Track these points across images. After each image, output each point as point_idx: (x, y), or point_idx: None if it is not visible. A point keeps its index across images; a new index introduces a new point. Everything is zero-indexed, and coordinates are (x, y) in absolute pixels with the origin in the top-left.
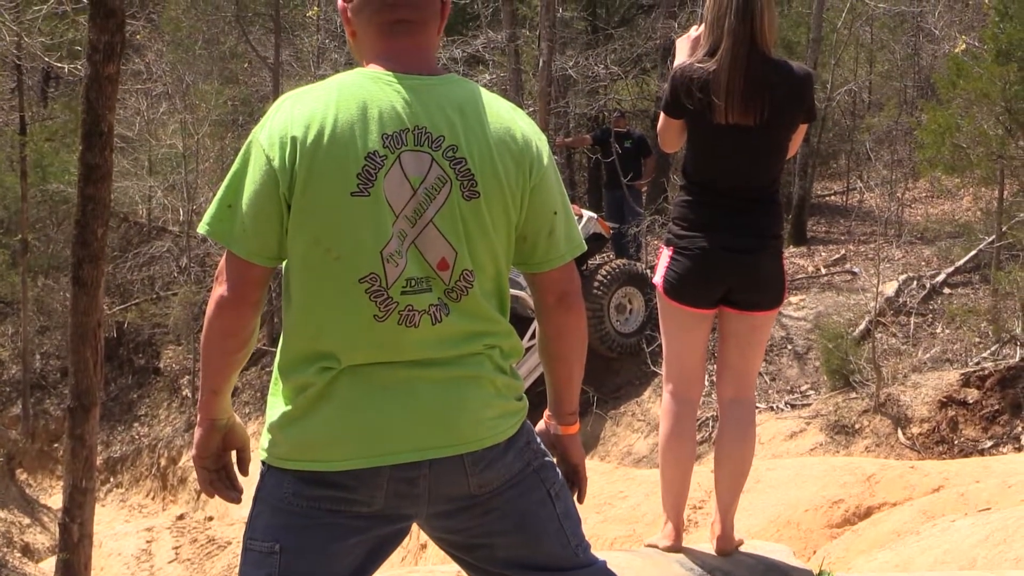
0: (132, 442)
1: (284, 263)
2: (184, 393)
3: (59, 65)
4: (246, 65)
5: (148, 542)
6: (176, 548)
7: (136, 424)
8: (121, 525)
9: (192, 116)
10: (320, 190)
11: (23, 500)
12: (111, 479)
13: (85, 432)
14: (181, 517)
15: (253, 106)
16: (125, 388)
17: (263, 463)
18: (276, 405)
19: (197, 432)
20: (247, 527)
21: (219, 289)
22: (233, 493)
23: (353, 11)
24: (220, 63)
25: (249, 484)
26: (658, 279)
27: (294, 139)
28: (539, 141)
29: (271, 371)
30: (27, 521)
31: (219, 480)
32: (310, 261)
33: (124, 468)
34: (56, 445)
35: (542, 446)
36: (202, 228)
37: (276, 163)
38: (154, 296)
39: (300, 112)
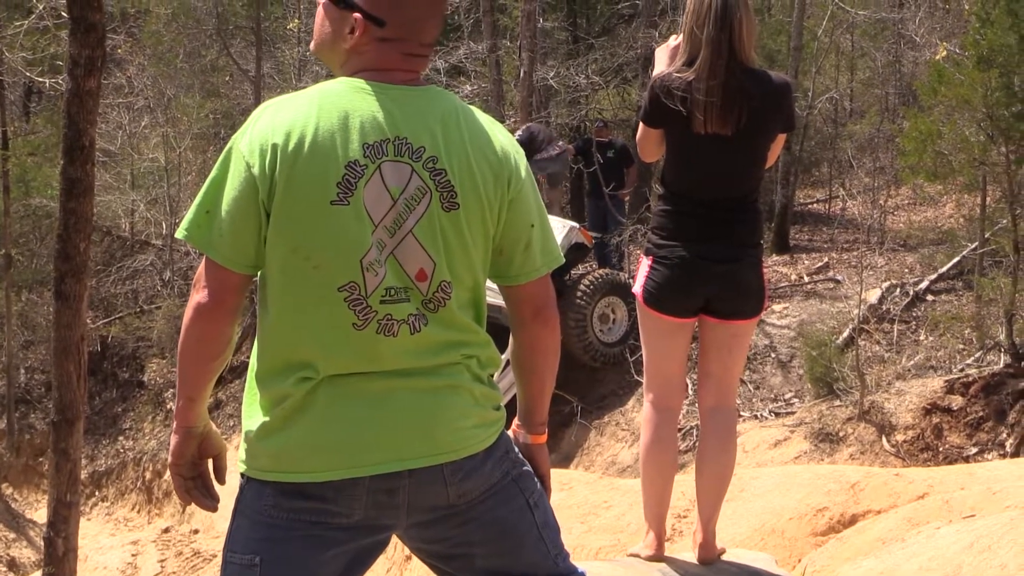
0: (117, 456)
1: (260, 273)
2: (168, 406)
3: (40, 79)
4: (227, 78)
5: (134, 555)
6: (162, 561)
7: (121, 438)
8: (107, 539)
9: (174, 129)
10: (299, 198)
11: (8, 515)
12: (96, 493)
13: (69, 446)
14: (166, 530)
15: (235, 119)
16: (110, 402)
17: (242, 475)
18: (253, 416)
19: (173, 439)
20: (227, 540)
21: (197, 296)
22: (209, 501)
23: (375, 35)
24: (201, 76)
25: (227, 495)
26: (638, 288)
27: (275, 146)
28: (517, 154)
29: None
30: (13, 536)
31: (195, 488)
32: (289, 269)
33: (109, 482)
34: (41, 459)
35: (520, 455)
36: (180, 233)
37: (256, 170)
38: (138, 310)
39: (281, 120)
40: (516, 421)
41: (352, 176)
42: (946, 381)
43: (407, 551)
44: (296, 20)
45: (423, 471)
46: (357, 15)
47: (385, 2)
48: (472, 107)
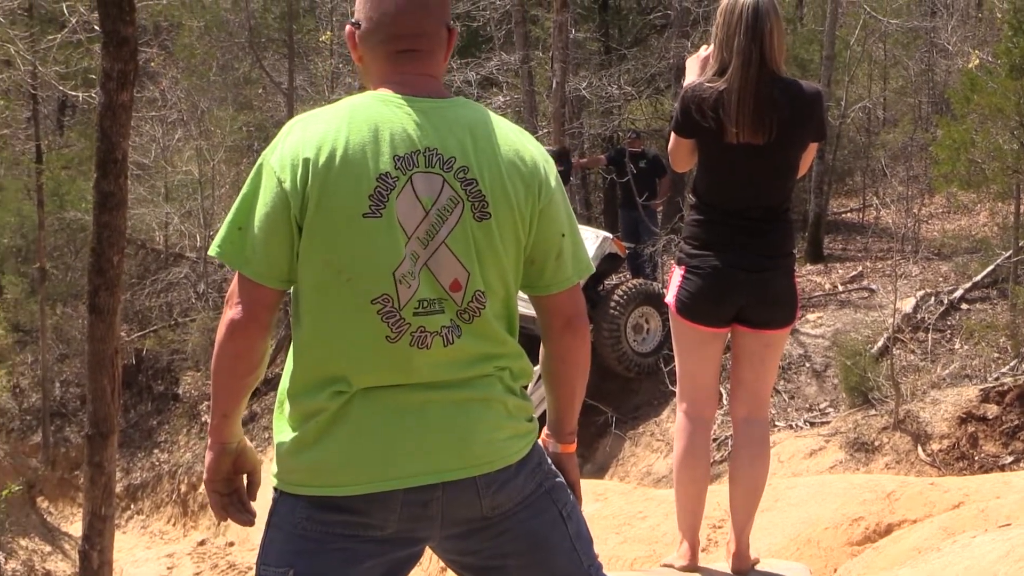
0: (152, 468)
1: (293, 287)
2: (203, 419)
3: (74, 93)
4: (260, 90)
5: (169, 568)
6: (197, 574)
7: (156, 450)
8: (142, 552)
9: (207, 142)
10: (332, 212)
11: (44, 528)
12: (132, 506)
13: (103, 459)
14: (202, 543)
15: (268, 131)
16: (144, 415)
17: (275, 489)
18: (285, 430)
19: (208, 456)
20: (260, 553)
21: (230, 312)
22: (246, 516)
23: (361, 38)
24: (234, 89)
25: (261, 507)
26: (670, 298)
27: (306, 161)
28: (546, 164)
29: None
30: (48, 549)
31: (231, 504)
32: (321, 283)
33: (145, 495)
34: (76, 473)
35: (553, 467)
36: (213, 250)
37: (288, 185)
38: (172, 323)
39: (312, 134)
40: (545, 430)
41: (384, 188)
42: (981, 390)
43: (442, 563)
44: (329, 32)
45: (457, 483)
46: (347, 28)
47: (363, 4)
48: (501, 117)
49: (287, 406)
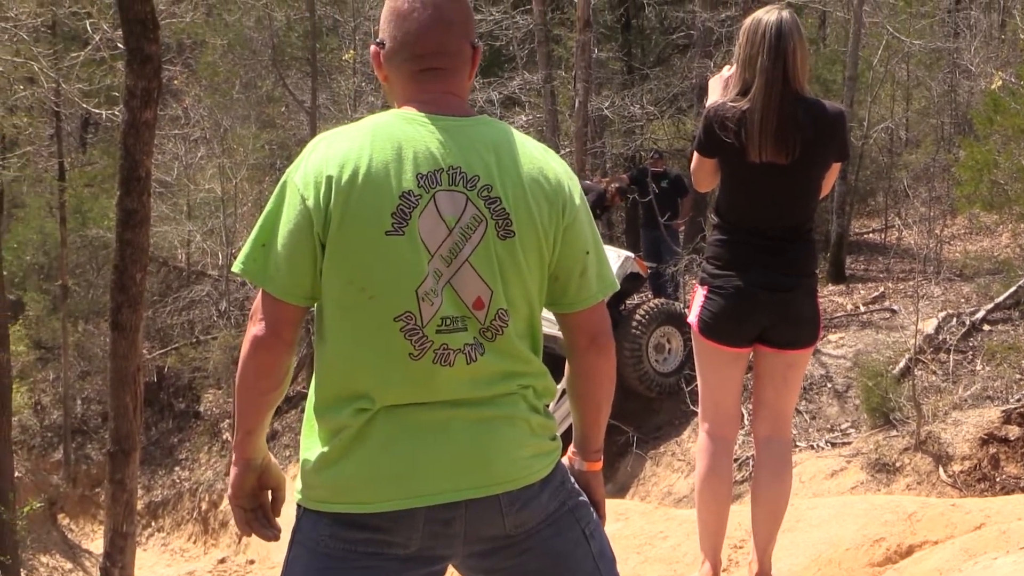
0: (173, 486)
1: (316, 304)
2: (225, 437)
3: (97, 111)
4: (283, 109)
5: None
6: None
7: (177, 468)
8: (163, 569)
9: (230, 160)
10: (355, 229)
11: (65, 545)
12: (153, 523)
13: (125, 476)
14: (223, 561)
15: (290, 150)
16: (166, 432)
17: (299, 506)
18: (311, 447)
19: (232, 472)
20: (284, 570)
21: (253, 329)
22: (270, 531)
23: (385, 57)
24: (257, 107)
25: (284, 524)
26: (693, 318)
27: (329, 178)
28: (570, 181)
29: None
30: (69, 566)
31: (255, 519)
32: (344, 300)
33: (165, 512)
34: (98, 490)
35: (576, 485)
36: (236, 267)
37: (311, 202)
38: (194, 340)
39: (335, 152)
40: (571, 448)
41: (406, 206)
42: (1003, 411)
43: None
44: (352, 51)
45: (480, 501)
46: (372, 48)
47: (387, 24)
48: (525, 135)
49: (314, 422)
